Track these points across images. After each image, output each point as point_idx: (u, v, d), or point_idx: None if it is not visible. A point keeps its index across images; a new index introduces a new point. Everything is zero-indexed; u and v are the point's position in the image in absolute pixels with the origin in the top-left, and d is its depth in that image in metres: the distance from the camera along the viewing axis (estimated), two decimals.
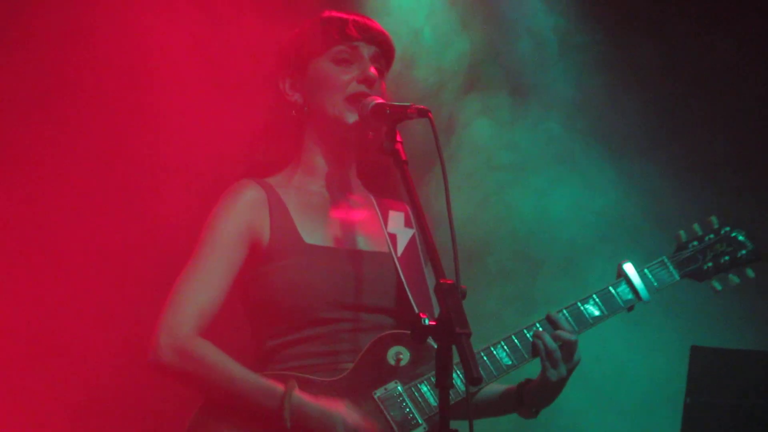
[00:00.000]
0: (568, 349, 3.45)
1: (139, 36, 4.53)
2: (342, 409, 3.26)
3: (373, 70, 3.52)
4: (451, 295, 2.89)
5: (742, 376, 3.93)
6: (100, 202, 4.56)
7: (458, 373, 3.32)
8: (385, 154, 3.21)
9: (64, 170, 4.56)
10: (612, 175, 5.29)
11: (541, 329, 3.48)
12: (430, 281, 3.55)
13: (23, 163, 4.57)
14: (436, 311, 3.47)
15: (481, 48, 5.23)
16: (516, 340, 3.47)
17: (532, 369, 3.52)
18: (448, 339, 2.85)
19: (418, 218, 3.09)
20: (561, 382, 3.48)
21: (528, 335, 3.48)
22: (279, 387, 3.26)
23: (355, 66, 3.54)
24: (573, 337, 3.46)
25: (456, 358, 2.85)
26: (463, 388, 3.35)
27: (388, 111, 3.29)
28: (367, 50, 3.56)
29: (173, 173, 4.55)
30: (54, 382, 4.49)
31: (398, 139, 3.21)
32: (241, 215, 3.46)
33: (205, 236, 3.45)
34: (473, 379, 2.80)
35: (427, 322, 2.89)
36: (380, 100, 3.39)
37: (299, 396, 3.25)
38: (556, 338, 3.45)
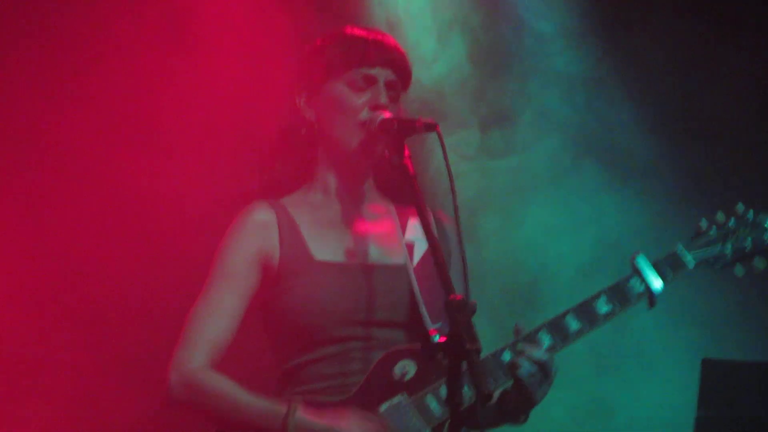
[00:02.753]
0: (545, 369, 3.34)
1: (152, 46, 4.53)
2: (345, 423, 3.24)
3: (385, 98, 3.48)
4: (461, 311, 2.87)
5: (754, 388, 3.91)
6: (117, 217, 4.57)
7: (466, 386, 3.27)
8: (394, 169, 3.19)
9: (77, 195, 4.57)
10: (613, 192, 5.29)
11: (522, 349, 3.35)
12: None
13: (22, 173, 4.57)
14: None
15: (474, 69, 5.23)
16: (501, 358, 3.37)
17: None
18: (458, 355, 2.83)
19: (428, 234, 3.07)
20: (542, 395, 3.40)
21: (506, 357, 3.36)
22: (282, 407, 3.26)
23: (369, 91, 3.49)
24: (545, 357, 3.34)
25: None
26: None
27: (395, 126, 3.28)
28: (383, 75, 3.51)
29: (187, 192, 4.55)
30: (62, 407, 4.50)
31: (406, 153, 3.19)
32: (249, 241, 3.45)
33: (216, 266, 3.45)
34: (484, 396, 2.78)
35: (437, 338, 2.87)
36: (388, 115, 3.38)
37: (303, 415, 3.24)
38: (532, 361, 3.32)
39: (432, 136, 3.23)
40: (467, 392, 3.27)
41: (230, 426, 3.32)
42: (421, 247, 3.56)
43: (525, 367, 3.32)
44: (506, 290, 5.21)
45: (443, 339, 2.86)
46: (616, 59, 5.37)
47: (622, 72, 5.36)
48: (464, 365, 2.81)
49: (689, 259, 3.50)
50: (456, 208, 3.05)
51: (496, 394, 3.43)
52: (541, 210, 5.28)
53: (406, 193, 3.49)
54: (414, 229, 3.59)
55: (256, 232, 3.46)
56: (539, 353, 3.33)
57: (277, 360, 3.49)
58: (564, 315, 3.43)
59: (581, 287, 5.05)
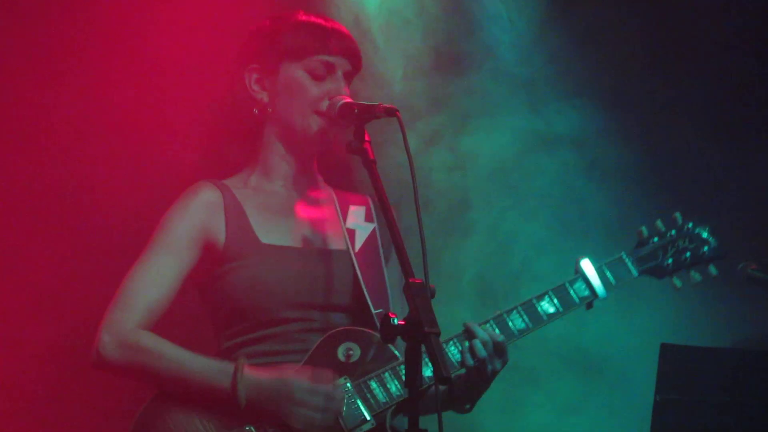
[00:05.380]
0: (499, 350, 3.38)
1: (93, 29, 4.51)
2: (290, 372, 3.27)
3: (344, 88, 3.52)
4: (420, 294, 2.89)
5: (712, 373, 3.95)
6: (50, 197, 4.53)
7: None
8: (353, 153, 3.21)
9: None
10: (578, 170, 5.32)
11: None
12: (389, 277, 3.56)
13: None
14: (394, 307, 3.50)
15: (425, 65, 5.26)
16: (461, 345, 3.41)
17: None
18: (416, 338, 2.85)
19: (387, 218, 3.09)
20: (492, 377, 3.42)
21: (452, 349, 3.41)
22: (230, 365, 3.27)
23: (329, 82, 3.53)
24: (500, 338, 3.37)
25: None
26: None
27: (356, 110, 3.30)
28: (341, 66, 3.55)
29: (130, 173, 4.53)
30: None
31: (366, 138, 3.21)
32: (194, 216, 3.46)
33: (156, 235, 3.45)
34: (442, 379, 2.80)
35: (396, 321, 2.88)
36: (348, 99, 3.40)
37: (250, 371, 3.26)
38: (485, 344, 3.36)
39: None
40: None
41: (171, 383, 3.30)
42: (362, 234, 3.60)
43: (479, 349, 3.33)
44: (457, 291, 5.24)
45: (402, 322, 2.88)
46: (566, 60, 5.41)
47: (571, 72, 5.40)
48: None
49: (632, 267, 3.59)
50: (416, 192, 3.05)
51: None
52: (488, 206, 5.31)
53: (347, 178, 3.60)
54: (355, 216, 3.63)
55: (202, 210, 3.47)
56: (496, 335, 3.36)
57: (217, 339, 3.49)
58: (510, 311, 3.48)
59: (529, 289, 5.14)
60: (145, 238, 3.46)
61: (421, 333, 2.83)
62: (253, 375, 3.26)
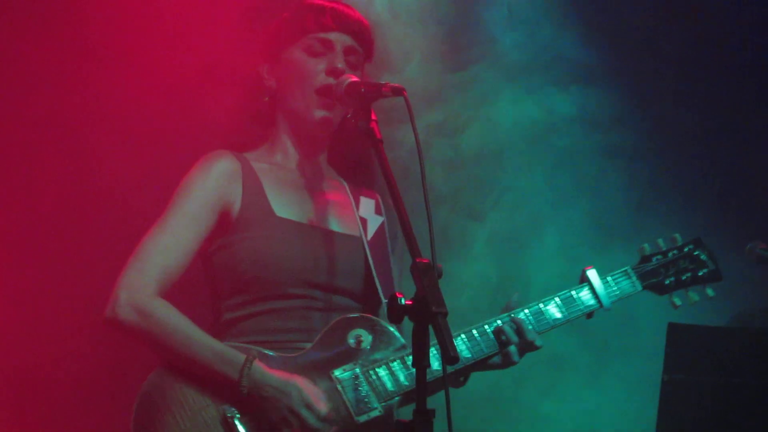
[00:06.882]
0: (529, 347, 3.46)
1: (114, 13, 4.51)
2: (298, 380, 3.26)
3: (342, 62, 3.52)
4: (428, 274, 2.87)
5: (719, 353, 3.95)
6: (65, 167, 4.57)
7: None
8: (359, 133, 3.19)
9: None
10: (583, 155, 5.32)
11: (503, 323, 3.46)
12: (395, 268, 3.58)
13: None
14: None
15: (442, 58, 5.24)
16: (476, 334, 3.45)
17: None
18: (424, 318, 2.83)
19: (394, 197, 3.06)
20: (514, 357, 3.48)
21: (488, 330, 3.45)
22: (240, 356, 3.26)
23: (327, 57, 3.53)
24: (538, 342, 3.46)
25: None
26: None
27: (362, 89, 3.27)
28: (341, 41, 3.55)
29: (152, 144, 4.55)
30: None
31: (373, 117, 3.19)
32: (212, 183, 3.46)
33: (175, 200, 3.45)
34: (450, 359, 2.78)
35: (403, 301, 2.86)
36: (355, 79, 3.37)
37: (259, 366, 3.26)
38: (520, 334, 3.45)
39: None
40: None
41: (177, 359, 3.30)
42: (373, 224, 3.61)
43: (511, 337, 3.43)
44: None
45: (410, 302, 2.86)
46: (565, 46, 5.41)
47: (570, 58, 5.40)
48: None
49: (637, 281, 3.63)
50: (423, 172, 3.02)
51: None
52: (490, 197, 5.32)
53: (358, 172, 3.61)
54: (366, 206, 3.64)
55: (221, 177, 3.47)
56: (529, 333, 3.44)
57: (216, 310, 3.48)
58: (517, 313, 3.50)
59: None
60: (160, 204, 3.45)
61: (428, 313, 2.82)
62: (261, 369, 3.25)
